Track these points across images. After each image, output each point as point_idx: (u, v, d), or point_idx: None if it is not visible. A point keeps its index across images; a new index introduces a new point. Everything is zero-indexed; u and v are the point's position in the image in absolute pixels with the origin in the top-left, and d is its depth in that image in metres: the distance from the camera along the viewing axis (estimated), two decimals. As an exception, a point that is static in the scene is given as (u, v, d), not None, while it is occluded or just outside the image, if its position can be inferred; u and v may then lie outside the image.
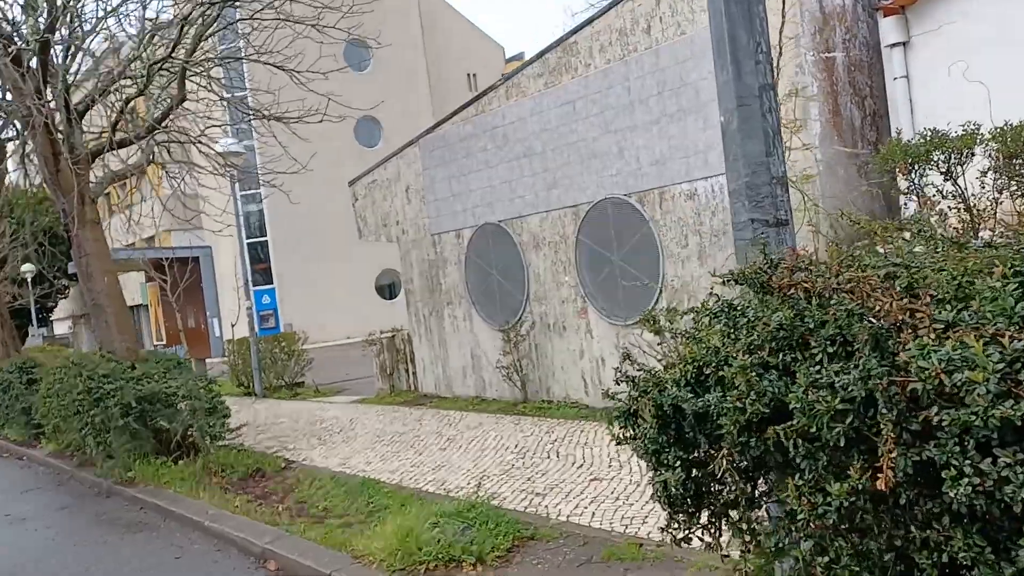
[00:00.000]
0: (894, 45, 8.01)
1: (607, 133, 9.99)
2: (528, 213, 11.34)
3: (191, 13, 10.87)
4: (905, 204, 7.01)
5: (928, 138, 6.63)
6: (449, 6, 50.50)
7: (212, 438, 9.94)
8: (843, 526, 2.59)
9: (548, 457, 8.26)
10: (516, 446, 8.98)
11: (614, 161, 9.94)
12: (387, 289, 44.34)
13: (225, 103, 13.72)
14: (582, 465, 7.76)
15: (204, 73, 12.40)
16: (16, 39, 10.74)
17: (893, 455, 2.31)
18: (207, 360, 26.90)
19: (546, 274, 11.18)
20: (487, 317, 12.36)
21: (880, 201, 8.71)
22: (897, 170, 6.83)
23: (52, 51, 10.75)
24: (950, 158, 6.56)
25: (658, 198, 9.47)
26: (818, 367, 2.59)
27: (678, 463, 3.19)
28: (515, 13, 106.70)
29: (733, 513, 3.24)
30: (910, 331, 2.45)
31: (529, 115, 11.09)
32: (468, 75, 48.39)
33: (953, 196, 6.68)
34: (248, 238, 41.36)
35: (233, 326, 24.31)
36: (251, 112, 13.16)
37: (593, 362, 10.64)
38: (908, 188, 7.14)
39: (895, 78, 8.06)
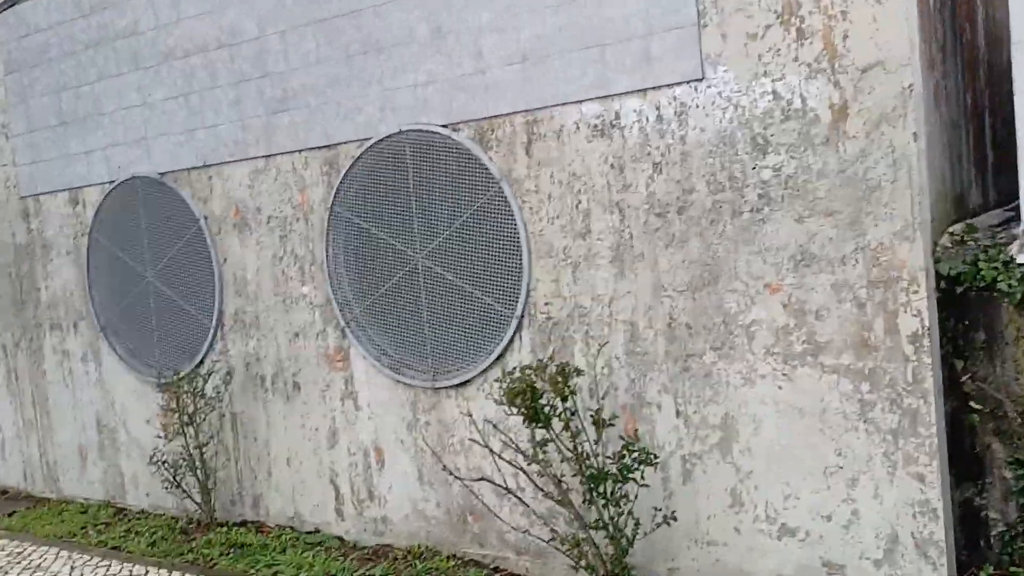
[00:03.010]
0: None
1: (408, -2, 4.90)
2: (226, 159, 5.81)
3: None
4: None
5: None
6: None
7: None
8: None
9: None
10: None
11: (424, 56, 4.87)
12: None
13: None
14: None
15: None
16: None
17: None
18: None
19: (262, 280, 5.76)
20: (132, 357, 6.54)
21: (948, 158, 4.65)
22: None
23: None
24: None
25: (523, 133, 4.59)
26: None
27: None
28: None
29: None
30: None
31: (233, -38, 5.59)
32: None
33: None
34: None
35: None
36: None
37: (358, 454, 5.45)
38: None
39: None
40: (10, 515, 6.84)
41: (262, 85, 5.55)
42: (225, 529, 5.80)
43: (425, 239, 4.97)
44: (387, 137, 5.05)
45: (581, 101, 4.39)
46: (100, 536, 6.07)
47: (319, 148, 5.36)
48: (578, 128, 4.42)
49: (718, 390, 4.13)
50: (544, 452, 4.19)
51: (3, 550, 5.95)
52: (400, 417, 5.23)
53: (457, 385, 4.95)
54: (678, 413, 4.26)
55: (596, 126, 4.36)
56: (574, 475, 4.19)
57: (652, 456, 4.02)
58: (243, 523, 5.95)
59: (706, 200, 4.08)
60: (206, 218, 5.96)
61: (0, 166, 7.17)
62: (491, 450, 4.48)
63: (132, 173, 6.29)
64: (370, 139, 5.11)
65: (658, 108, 4.17)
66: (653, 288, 4.27)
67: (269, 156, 5.59)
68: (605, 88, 4.30)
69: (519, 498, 4.56)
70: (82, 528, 6.31)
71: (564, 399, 4.16)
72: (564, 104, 4.44)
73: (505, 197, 4.67)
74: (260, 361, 5.82)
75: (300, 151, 5.44)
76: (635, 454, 4.05)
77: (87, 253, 6.67)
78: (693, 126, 4.09)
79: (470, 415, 4.69)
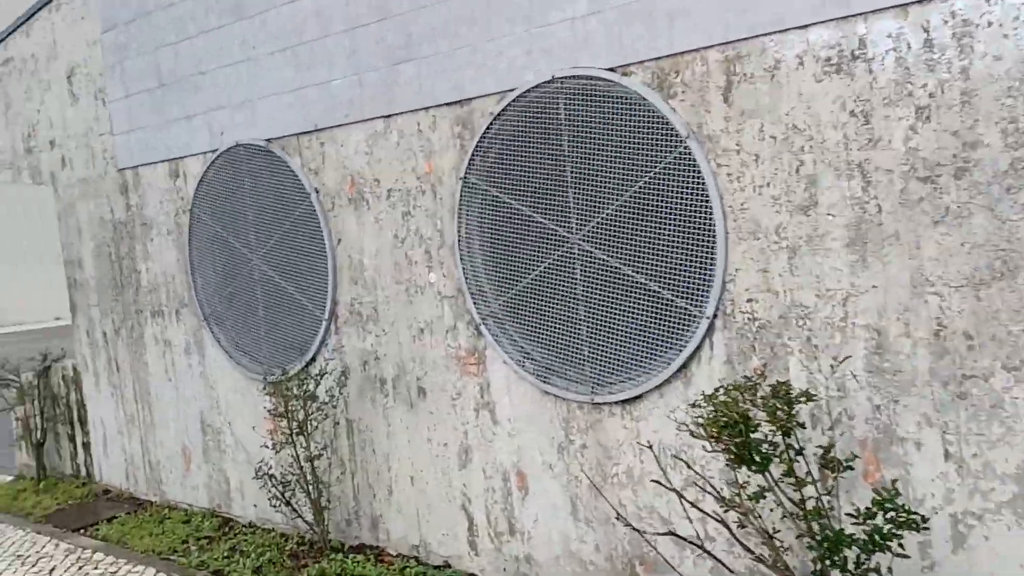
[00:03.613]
0: None
1: (565, -93, 3.82)
2: (340, 122, 4.91)
3: None
4: None
5: None
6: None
7: None
8: None
9: None
10: None
11: (584, -20, 3.80)
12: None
13: None
14: None
15: None
16: None
17: None
18: None
19: (381, 264, 4.85)
20: (237, 350, 5.79)
21: None
22: None
23: None
24: None
25: (720, 74, 3.47)
26: None
27: None
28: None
29: None
30: None
31: None
32: None
33: None
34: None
35: None
36: None
37: (496, 477, 4.49)
38: None
39: None
40: (109, 520, 6.24)
41: (382, 31, 4.60)
42: (340, 556, 4.96)
43: (583, 216, 3.92)
44: (535, 87, 4.01)
45: (807, 26, 3.23)
46: (201, 555, 5.34)
47: (449, 104, 4.37)
48: (802, 63, 3.26)
49: (1013, 426, 2.94)
50: (756, 502, 3.11)
51: (96, 567, 5.29)
52: (548, 436, 4.23)
53: (623, 401, 3.90)
54: (947, 455, 3.08)
55: (830, 59, 3.19)
56: (798, 536, 3.09)
57: (920, 519, 2.87)
58: (360, 548, 5.11)
59: (1000, 158, 2.87)
60: (317, 191, 5.09)
61: (98, 135, 6.53)
62: (678, 493, 3.41)
63: (236, 140, 5.49)
64: (513, 91, 4.09)
65: (926, 30, 2.97)
66: (912, 282, 3.09)
67: (389, 116, 4.65)
68: (845, 6, 3.13)
69: (709, 552, 3.49)
70: (183, 542, 5.63)
71: (787, 433, 3.05)
72: (782, 31, 3.29)
73: (693, 160, 3.57)
74: (379, 361, 4.92)
75: (427, 109, 4.48)
76: (892, 513, 2.91)
77: (188, 232, 5.95)
78: (982, 53, 2.87)
79: (650, 446, 3.63)
